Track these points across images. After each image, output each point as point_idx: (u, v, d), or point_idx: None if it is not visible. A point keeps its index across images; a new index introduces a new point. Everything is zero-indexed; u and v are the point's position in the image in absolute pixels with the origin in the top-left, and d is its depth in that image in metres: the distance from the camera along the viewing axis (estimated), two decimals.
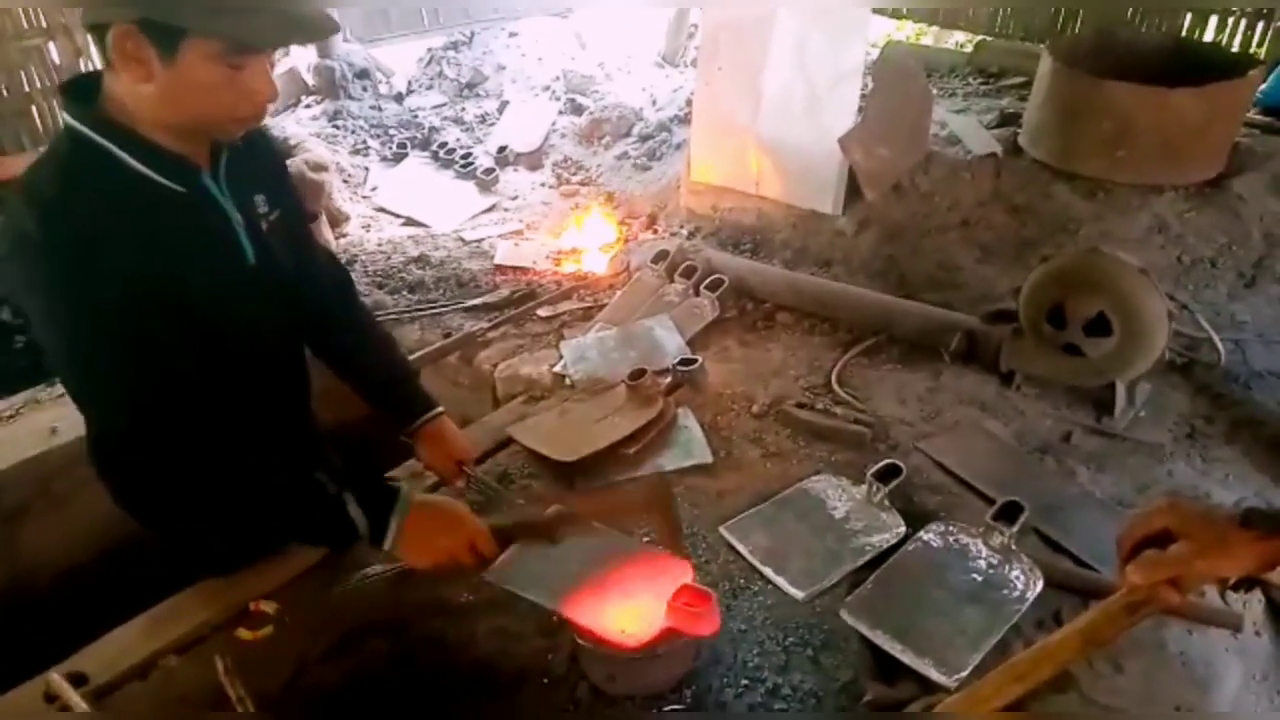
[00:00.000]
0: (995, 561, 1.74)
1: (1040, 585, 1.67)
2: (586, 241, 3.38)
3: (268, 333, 1.54)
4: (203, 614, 1.65)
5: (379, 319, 2.91)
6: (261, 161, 1.49)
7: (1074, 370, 2.28)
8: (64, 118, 1.29)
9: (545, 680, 1.55)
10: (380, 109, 4.51)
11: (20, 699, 1.47)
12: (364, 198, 3.82)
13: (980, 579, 1.72)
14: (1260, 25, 3.74)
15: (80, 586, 2.28)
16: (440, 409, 1.87)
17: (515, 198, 3.87)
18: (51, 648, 1.61)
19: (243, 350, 1.47)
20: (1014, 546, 1.74)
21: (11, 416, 2.44)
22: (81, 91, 1.27)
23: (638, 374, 2.29)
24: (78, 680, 1.49)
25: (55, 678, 1.47)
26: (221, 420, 1.38)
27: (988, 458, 2.08)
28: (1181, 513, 1.06)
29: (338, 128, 4.29)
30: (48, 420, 2.33)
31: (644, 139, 4.06)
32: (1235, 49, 3.74)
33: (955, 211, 3.04)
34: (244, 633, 1.60)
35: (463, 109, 4.55)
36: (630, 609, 1.47)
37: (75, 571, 2.32)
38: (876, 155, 3.03)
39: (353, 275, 3.12)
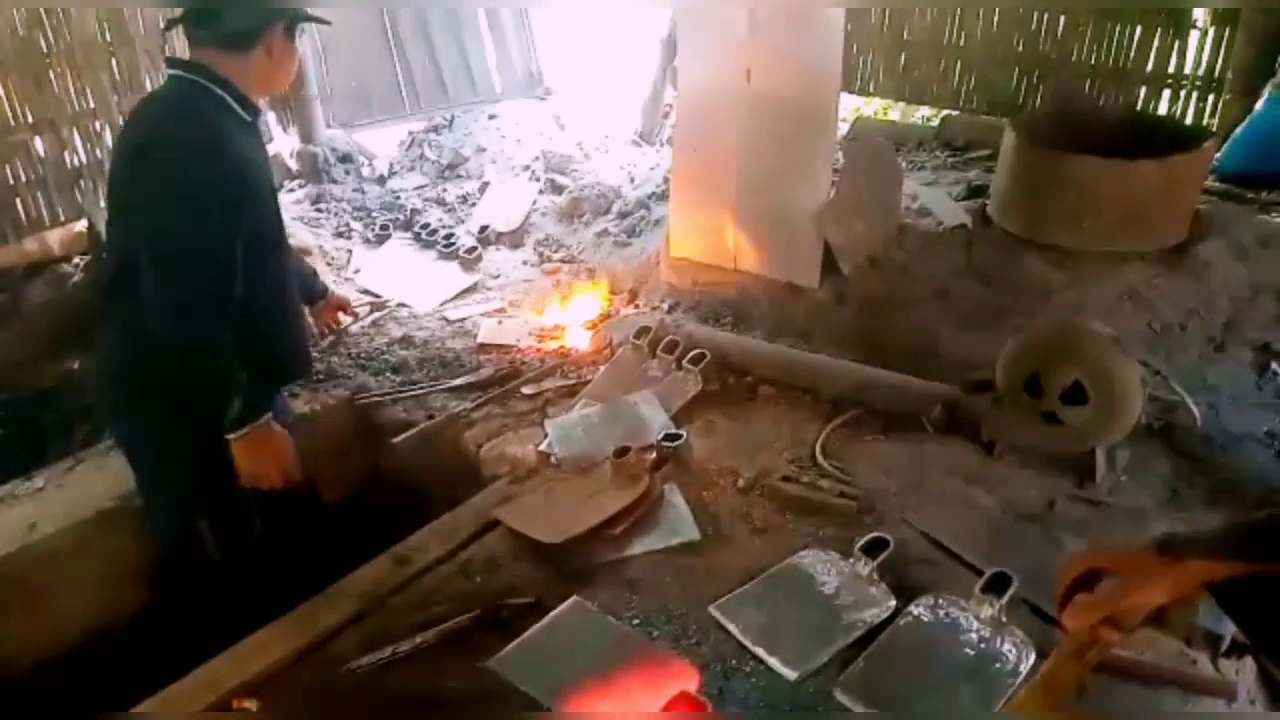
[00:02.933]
0: (987, 634, 1.74)
1: (1033, 658, 1.66)
2: (569, 318, 3.41)
3: (281, 238, 2.14)
4: (187, 711, 1.61)
5: (361, 399, 2.94)
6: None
7: (1054, 438, 2.30)
8: (177, 74, 1.92)
9: None
10: (363, 191, 4.58)
11: None
12: (347, 280, 3.84)
13: (973, 653, 1.71)
14: (1211, 97, 3.90)
15: (56, 684, 2.22)
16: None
17: (498, 276, 3.91)
18: None
19: (274, 235, 2.06)
20: (1004, 619, 1.74)
21: None
22: (182, 64, 1.92)
23: (623, 451, 2.30)
24: None
25: None
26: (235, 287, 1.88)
27: (974, 528, 2.09)
28: (1102, 553, 1.15)
29: (320, 211, 4.34)
30: (24, 516, 2.30)
31: (623, 216, 4.13)
32: (1189, 120, 3.89)
33: (930, 282, 3.10)
34: None
35: (444, 190, 4.62)
36: (625, 711, 1.46)
37: (51, 668, 2.26)
38: (851, 229, 3.10)
39: (336, 358, 3.16)
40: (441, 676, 1.71)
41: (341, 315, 2.70)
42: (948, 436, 2.44)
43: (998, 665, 1.67)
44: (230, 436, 1.89)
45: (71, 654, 2.29)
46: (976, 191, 3.51)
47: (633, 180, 4.49)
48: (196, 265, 1.82)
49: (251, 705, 1.61)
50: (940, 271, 3.13)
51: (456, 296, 3.72)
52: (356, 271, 3.91)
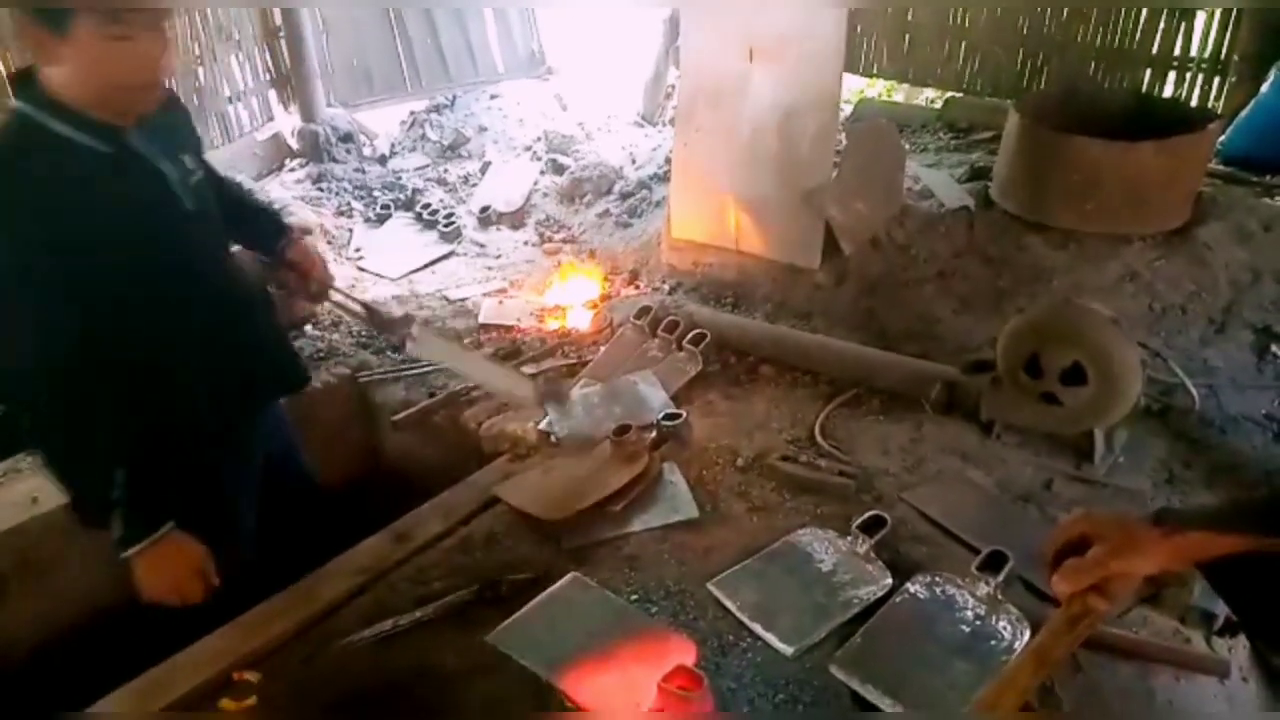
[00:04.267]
0: (982, 612, 1.75)
1: (1027, 634, 1.67)
2: (570, 298, 3.42)
3: (207, 266, 1.77)
4: (187, 683, 1.63)
5: (362, 377, 2.93)
6: (183, 131, 1.75)
7: (1052, 419, 2.31)
8: (10, 101, 1.52)
9: None
10: (364, 171, 4.57)
11: None
12: (348, 259, 3.84)
13: (968, 630, 1.72)
14: (1216, 80, 3.88)
15: (60, 659, 2.24)
16: (301, 234, 2.24)
17: (499, 256, 3.91)
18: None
19: (184, 281, 1.69)
20: (1000, 596, 1.75)
21: None
22: (29, 78, 1.50)
23: (623, 430, 2.31)
24: None
25: None
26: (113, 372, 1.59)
27: (971, 507, 2.10)
28: (1095, 519, 1.14)
29: (322, 190, 4.33)
30: (28, 490, 2.31)
31: (625, 197, 4.12)
32: (1194, 103, 3.88)
33: (932, 263, 3.10)
34: (228, 703, 1.57)
35: (445, 170, 4.61)
36: (622, 685, 1.47)
37: (55, 644, 2.28)
38: (853, 210, 3.10)
39: (337, 335, 3.16)
40: (441, 651, 1.72)
41: (311, 302, 2.62)
42: (946, 417, 2.44)
43: (993, 642, 1.68)
44: (123, 555, 1.59)
45: (75, 630, 2.30)
46: (979, 174, 3.50)
47: (634, 161, 4.48)
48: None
49: (252, 677, 1.62)
50: (941, 253, 3.13)
51: (431, 264, 3.82)
52: (358, 251, 3.91)
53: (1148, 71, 4.04)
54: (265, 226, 2.06)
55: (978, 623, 1.73)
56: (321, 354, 3.00)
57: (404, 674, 1.66)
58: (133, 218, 1.56)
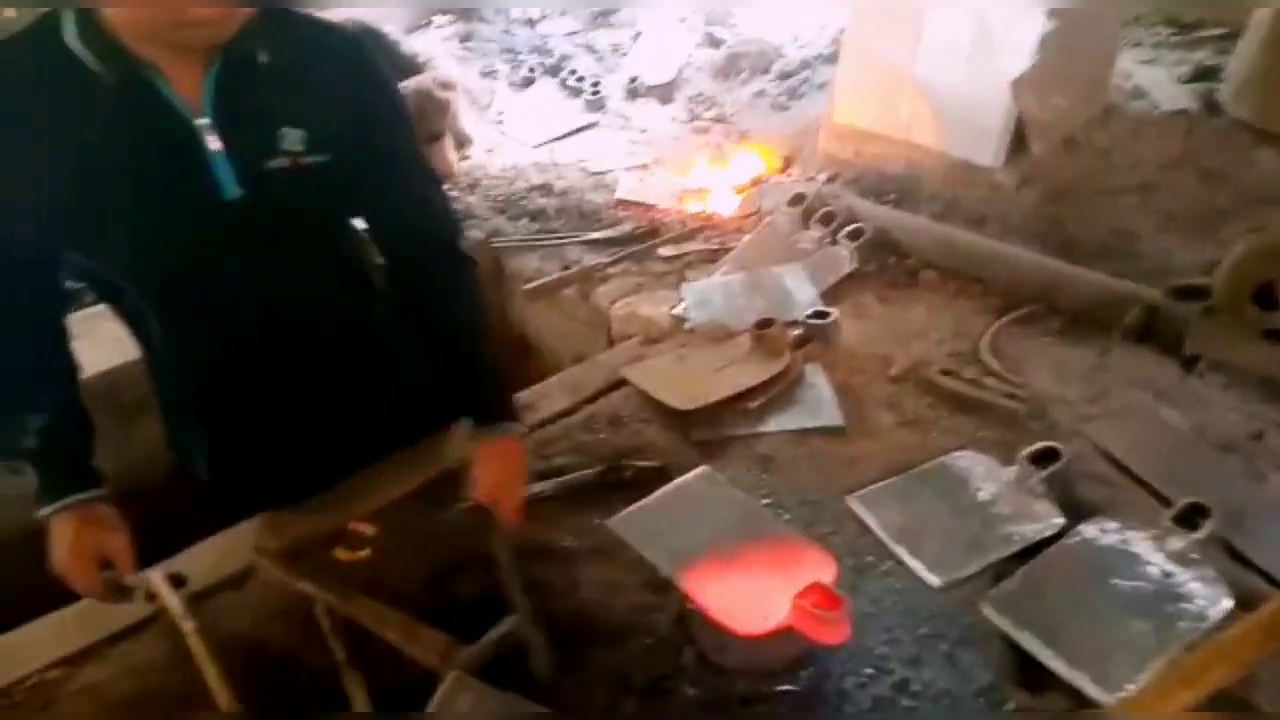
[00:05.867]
0: (1171, 570, 1.51)
1: (1227, 604, 1.44)
2: (716, 181, 3.19)
3: (229, 272, 1.31)
4: (302, 529, 1.60)
5: (496, 243, 2.81)
6: (320, 95, 1.27)
7: (1276, 360, 1.97)
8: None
9: (649, 640, 1.44)
10: (511, 33, 4.39)
11: None
12: (490, 121, 3.72)
13: (1151, 588, 1.49)
14: None
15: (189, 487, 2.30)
16: (515, 429, 1.52)
17: (644, 131, 3.70)
18: (157, 546, 1.59)
19: (195, 290, 1.32)
20: (1196, 555, 1.51)
21: None
22: None
23: (765, 323, 2.13)
24: (178, 582, 1.45)
25: (155, 577, 1.44)
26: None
27: (1163, 450, 1.83)
28: None
29: (468, 50, 4.19)
30: (117, 333, 2.32)
31: (784, 77, 3.80)
32: None
33: (1135, 172, 2.70)
34: (341, 553, 1.54)
35: (595, 37, 4.38)
36: (752, 593, 1.34)
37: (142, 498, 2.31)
38: (1050, 104, 2.71)
39: (474, 198, 3.06)
40: (557, 528, 1.64)
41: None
42: (1140, 346, 2.13)
43: (1182, 605, 1.45)
44: (36, 514, 1.36)
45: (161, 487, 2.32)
46: (1205, 74, 3.01)
47: (797, 39, 4.11)
48: None
49: (368, 530, 1.58)
50: (1148, 160, 2.72)
51: (572, 133, 3.63)
52: (500, 114, 3.78)
53: None
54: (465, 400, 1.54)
55: (1165, 581, 1.50)
56: (457, 215, 2.91)
57: (520, 547, 1.57)
58: (121, 173, 1.18)
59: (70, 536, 1.33)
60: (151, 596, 1.41)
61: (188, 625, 1.34)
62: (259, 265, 1.32)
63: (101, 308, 1.41)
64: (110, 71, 1.13)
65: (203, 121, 1.19)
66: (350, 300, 1.50)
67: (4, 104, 1.15)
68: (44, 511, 1.35)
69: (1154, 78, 2.99)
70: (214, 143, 1.21)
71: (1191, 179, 2.64)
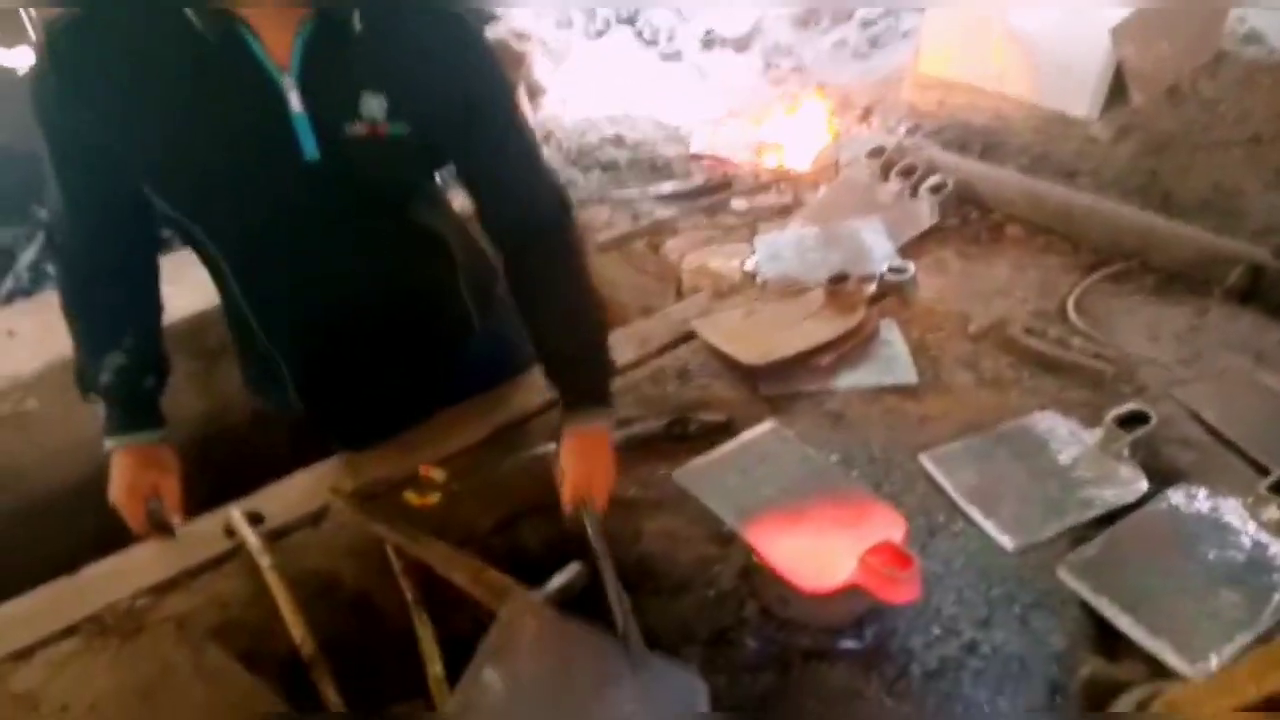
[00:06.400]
0: (1265, 540, 1.44)
1: None
2: (792, 134, 3.11)
3: (304, 232, 1.34)
4: (376, 471, 1.64)
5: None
6: (409, 65, 1.27)
7: None
8: None
9: (711, 592, 1.44)
10: None
11: (202, 529, 1.51)
12: (567, 72, 3.70)
13: (1243, 558, 1.42)
14: None
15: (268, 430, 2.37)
16: (603, 415, 1.46)
17: (719, 82, 3.62)
18: (237, 484, 1.65)
19: (270, 245, 1.36)
20: None
21: None
22: None
23: (839, 278, 2.07)
24: (255, 520, 1.51)
25: (235, 514, 1.50)
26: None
27: (1261, 417, 1.73)
28: None
29: None
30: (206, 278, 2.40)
31: (866, 25, 3.67)
32: None
33: (1244, 125, 2.53)
34: (412, 497, 1.57)
35: None
36: (819, 549, 1.32)
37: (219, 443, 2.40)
38: (1154, 51, 2.55)
39: (546, 149, 3.05)
40: (622, 479, 1.63)
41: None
42: (1241, 307, 2.01)
43: (1276, 577, 1.38)
44: (105, 447, 1.45)
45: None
46: None
47: None
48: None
49: (438, 475, 1.61)
50: (1259, 112, 2.55)
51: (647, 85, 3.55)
52: (575, 65, 3.74)
53: None
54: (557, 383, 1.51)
55: (1257, 551, 1.42)
56: None
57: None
58: (212, 129, 1.21)
59: (128, 474, 1.42)
60: (231, 532, 1.47)
61: (264, 561, 1.39)
62: (334, 227, 1.35)
63: (188, 253, 1.44)
64: (210, 29, 1.15)
65: (287, 80, 1.21)
66: (422, 268, 1.53)
67: (111, 55, 1.18)
68: (109, 445, 1.44)
69: (1273, 22, 2.77)
70: (296, 103, 1.22)
71: None
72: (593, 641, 1.25)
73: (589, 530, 1.34)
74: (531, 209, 1.47)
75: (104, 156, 1.25)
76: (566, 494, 1.37)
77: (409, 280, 1.52)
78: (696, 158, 3.03)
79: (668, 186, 2.85)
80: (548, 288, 1.48)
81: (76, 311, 1.45)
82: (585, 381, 1.48)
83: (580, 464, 1.39)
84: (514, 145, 1.44)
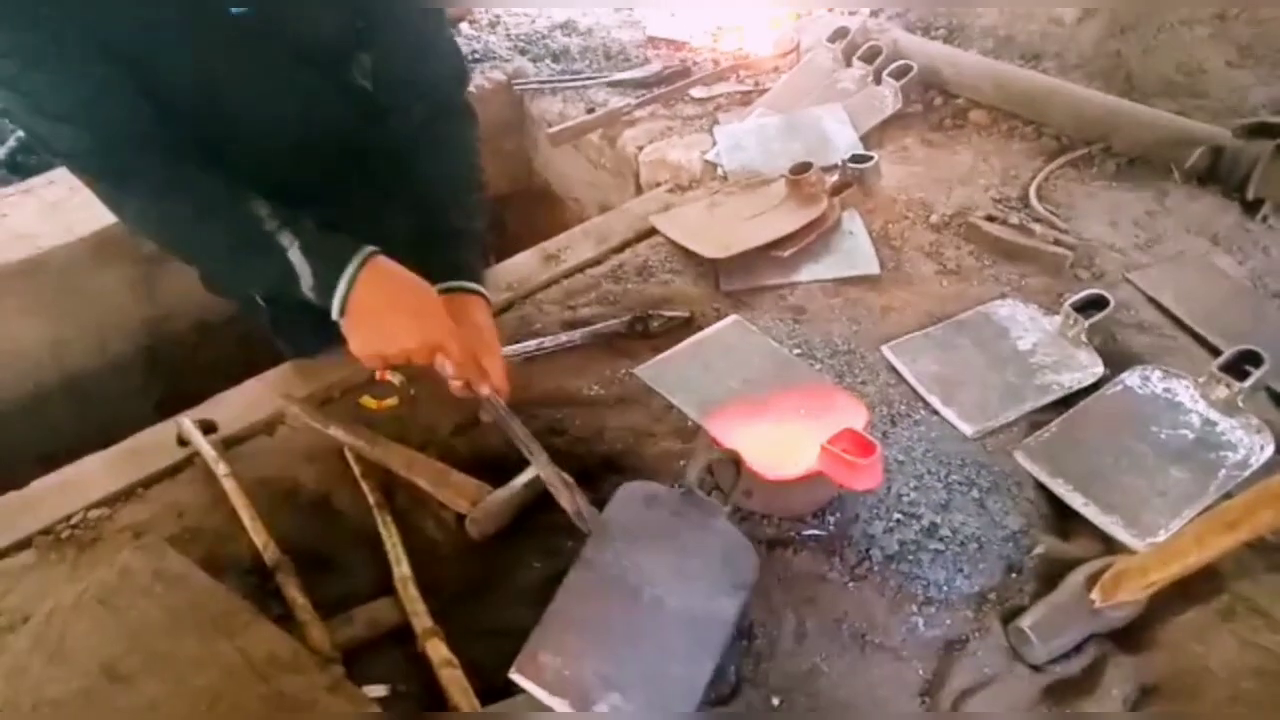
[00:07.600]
0: (1214, 418, 1.47)
1: (1269, 451, 1.40)
2: (752, 16, 2.99)
3: (238, 89, 1.25)
4: (330, 376, 1.60)
5: (519, 84, 2.68)
6: None
7: None
8: None
9: (675, 485, 1.44)
10: None
11: (153, 439, 1.47)
12: None
13: (1192, 436, 1.46)
14: None
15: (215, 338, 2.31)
16: (478, 288, 1.42)
17: None
18: (186, 393, 1.61)
19: (195, 92, 1.23)
20: (1241, 404, 1.46)
21: None
22: None
23: (801, 168, 2.02)
24: (208, 429, 1.47)
25: (186, 423, 1.46)
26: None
27: (1215, 298, 1.75)
28: None
29: None
30: None
31: None
32: None
33: (1210, 1, 2.47)
34: (369, 401, 1.54)
35: None
36: (781, 438, 1.31)
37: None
38: None
39: (494, 37, 2.90)
40: (584, 377, 1.62)
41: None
42: (1200, 189, 2.01)
43: (1222, 453, 1.42)
44: (334, 314, 1.26)
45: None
46: None
47: None
48: None
49: (394, 379, 1.58)
50: None
51: None
52: None
53: None
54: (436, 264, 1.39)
55: (1206, 429, 1.46)
56: (477, 55, 2.77)
57: (546, 395, 1.57)
58: None
59: (406, 293, 1.26)
60: (183, 442, 1.43)
61: (220, 469, 1.36)
62: (265, 84, 1.27)
63: None
64: None
65: None
66: (362, 129, 1.43)
67: None
68: (338, 297, 1.23)
69: None
70: None
71: (1273, 7, 2.41)
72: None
73: (497, 413, 1.34)
74: (425, 67, 1.43)
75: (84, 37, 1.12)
76: (452, 371, 1.31)
77: (346, 144, 1.44)
78: (653, 43, 2.90)
79: (623, 74, 2.73)
80: (430, 152, 1.44)
81: (194, 202, 1.24)
82: (462, 259, 1.44)
83: (488, 333, 1.38)
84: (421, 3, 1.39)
